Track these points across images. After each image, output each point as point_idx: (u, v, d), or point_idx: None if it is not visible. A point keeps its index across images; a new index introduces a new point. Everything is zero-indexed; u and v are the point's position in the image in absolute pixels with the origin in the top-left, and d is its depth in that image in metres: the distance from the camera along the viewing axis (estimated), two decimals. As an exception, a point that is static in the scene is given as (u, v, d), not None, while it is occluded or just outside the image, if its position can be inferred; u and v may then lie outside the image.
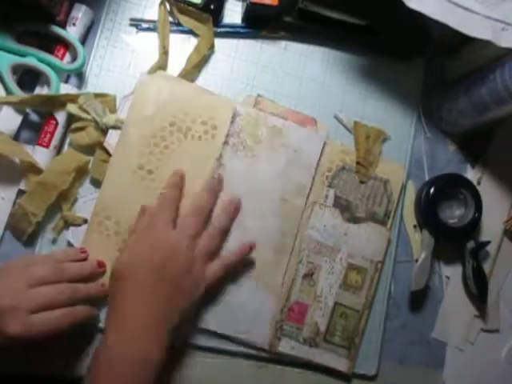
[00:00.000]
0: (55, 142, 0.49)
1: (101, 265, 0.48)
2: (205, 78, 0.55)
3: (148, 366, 0.41)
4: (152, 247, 0.44)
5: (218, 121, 0.52)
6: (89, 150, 0.50)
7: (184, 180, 0.50)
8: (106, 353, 0.41)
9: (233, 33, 0.56)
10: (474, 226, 0.56)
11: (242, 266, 0.50)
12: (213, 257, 0.48)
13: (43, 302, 0.41)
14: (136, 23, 0.54)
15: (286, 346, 0.51)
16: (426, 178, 0.59)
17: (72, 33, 0.51)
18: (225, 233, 0.50)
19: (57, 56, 0.50)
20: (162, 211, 0.47)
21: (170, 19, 0.55)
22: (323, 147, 0.54)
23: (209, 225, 0.49)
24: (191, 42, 0.55)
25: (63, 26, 0.51)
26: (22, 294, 0.40)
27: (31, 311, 0.40)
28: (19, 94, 0.48)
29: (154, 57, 0.53)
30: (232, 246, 0.50)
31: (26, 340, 0.39)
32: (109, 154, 0.50)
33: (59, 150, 0.50)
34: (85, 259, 0.48)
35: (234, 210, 0.50)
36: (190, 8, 0.54)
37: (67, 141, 0.50)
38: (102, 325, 0.48)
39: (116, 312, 0.43)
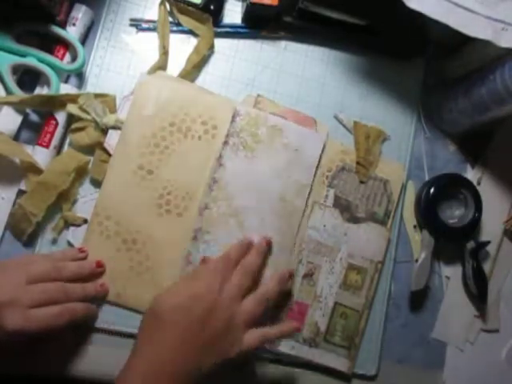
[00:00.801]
0: (55, 141, 0.49)
1: (99, 265, 0.48)
2: (205, 78, 0.55)
3: None
4: (195, 299, 0.43)
5: (218, 121, 0.52)
6: (89, 150, 0.50)
7: (270, 246, 0.51)
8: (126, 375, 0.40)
9: (233, 33, 0.56)
10: (474, 225, 0.56)
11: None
12: (255, 323, 0.46)
13: (41, 298, 0.41)
14: (136, 23, 0.54)
15: (286, 346, 0.51)
16: (426, 178, 0.59)
17: (72, 33, 0.51)
18: (272, 300, 0.48)
19: (57, 56, 0.50)
20: (217, 270, 0.46)
21: (170, 19, 0.55)
22: (324, 147, 0.54)
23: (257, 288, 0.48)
24: (191, 42, 0.55)
25: (63, 26, 0.51)
26: (20, 289, 0.40)
27: (30, 306, 0.40)
28: (19, 94, 0.48)
29: (154, 57, 0.53)
30: (229, 242, 0.50)
31: (26, 335, 0.40)
32: (109, 154, 0.50)
33: (59, 150, 0.50)
34: (84, 258, 0.48)
35: (287, 279, 0.49)
36: (190, 8, 0.54)
37: (67, 141, 0.50)
38: (100, 325, 0.48)
39: (139, 356, 0.41)
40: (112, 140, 0.50)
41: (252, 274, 0.47)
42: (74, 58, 0.51)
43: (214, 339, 0.42)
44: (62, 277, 0.44)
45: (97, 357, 0.48)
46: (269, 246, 0.51)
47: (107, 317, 0.49)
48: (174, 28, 0.55)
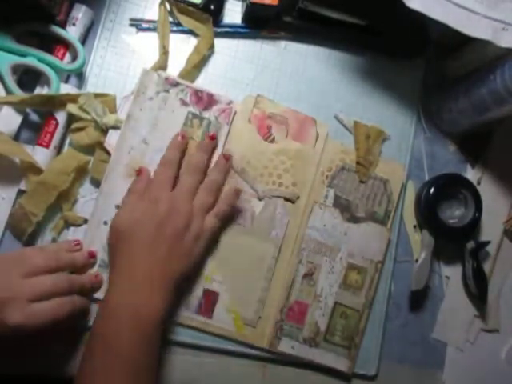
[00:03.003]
0: (55, 142, 0.49)
1: (92, 255, 0.48)
2: (205, 78, 0.55)
3: (152, 319, 0.42)
4: (151, 205, 0.46)
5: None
6: (89, 149, 0.50)
7: (187, 141, 0.51)
8: (107, 307, 0.43)
9: (233, 33, 0.56)
10: (474, 225, 0.56)
11: (237, 211, 0.52)
12: (209, 210, 0.49)
13: (41, 291, 0.41)
14: (136, 23, 0.54)
15: (286, 346, 0.51)
16: (426, 178, 0.59)
17: (72, 33, 0.51)
18: (219, 186, 0.51)
19: (57, 56, 0.50)
20: (160, 171, 0.49)
21: (170, 19, 0.55)
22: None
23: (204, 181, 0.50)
24: (191, 41, 0.55)
25: (63, 26, 0.51)
26: (19, 284, 0.41)
27: (30, 300, 0.40)
28: (19, 94, 0.48)
29: (153, 57, 0.53)
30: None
31: (28, 330, 0.40)
32: (109, 154, 0.50)
33: (59, 150, 0.50)
34: (78, 251, 0.48)
35: (226, 163, 0.51)
36: (190, 8, 0.54)
37: (67, 141, 0.50)
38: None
39: (118, 270, 0.44)
40: (112, 140, 0.50)
41: (199, 170, 0.50)
42: (74, 58, 0.51)
43: (179, 237, 0.46)
44: (58, 267, 0.44)
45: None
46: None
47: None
48: (174, 28, 0.55)
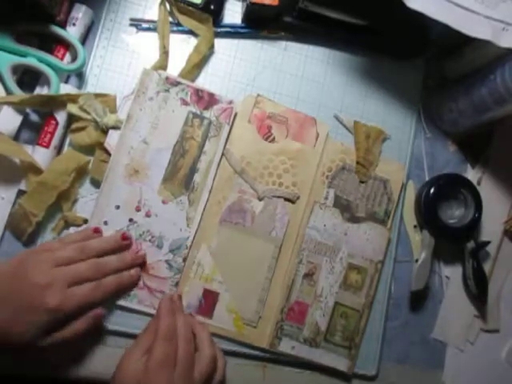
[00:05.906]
0: (55, 141, 0.49)
1: (125, 237, 0.48)
2: (205, 78, 0.55)
3: None
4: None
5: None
6: (89, 150, 0.50)
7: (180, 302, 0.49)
8: None
9: (233, 33, 0.56)
10: (474, 226, 0.56)
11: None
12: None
13: (76, 276, 0.43)
14: (136, 23, 0.54)
15: (286, 346, 0.51)
16: (426, 178, 0.59)
17: (72, 33, 0.51)
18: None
19: (57, 56, 0.50)
20: (161, 347, 0.43)
21: (170, 19, 0.55)
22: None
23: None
24: (191, 42, 0.55)
25: (63, 25, 0.51)
26: (55, 271, 0.43)
27: (67, 285, 0.42)
28: (19, 94, 0.48)
29: (154, 57, 0.53)
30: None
31: (65, 312, 0.42)
32: (109, 154, 0.50)
33: (59, 150, 0.50)
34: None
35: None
36: (190, 8, 0.54)
37: (67, 141, 0.50)
38: (110, 327, 0.48)
39: None
40: (112, 140, 0.50)
41: (190, 339, 0.45)
42: (74, 58, 0.51)
43: None
44: (87, 256, 0.45)
45: (100, 357, 0.48)
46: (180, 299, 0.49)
47: (116, 318, 0.49)
48: (174, 28, 0.55)
